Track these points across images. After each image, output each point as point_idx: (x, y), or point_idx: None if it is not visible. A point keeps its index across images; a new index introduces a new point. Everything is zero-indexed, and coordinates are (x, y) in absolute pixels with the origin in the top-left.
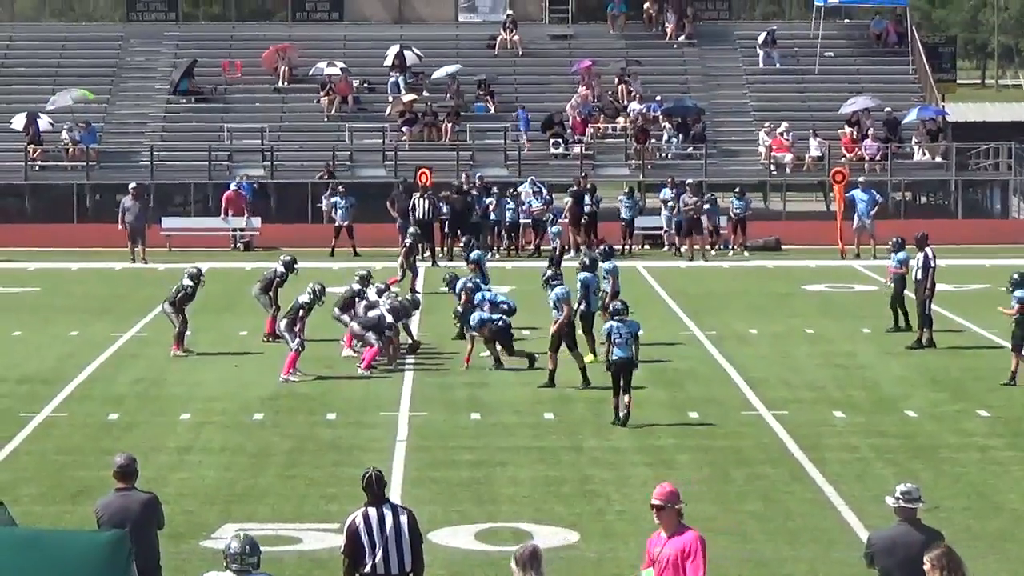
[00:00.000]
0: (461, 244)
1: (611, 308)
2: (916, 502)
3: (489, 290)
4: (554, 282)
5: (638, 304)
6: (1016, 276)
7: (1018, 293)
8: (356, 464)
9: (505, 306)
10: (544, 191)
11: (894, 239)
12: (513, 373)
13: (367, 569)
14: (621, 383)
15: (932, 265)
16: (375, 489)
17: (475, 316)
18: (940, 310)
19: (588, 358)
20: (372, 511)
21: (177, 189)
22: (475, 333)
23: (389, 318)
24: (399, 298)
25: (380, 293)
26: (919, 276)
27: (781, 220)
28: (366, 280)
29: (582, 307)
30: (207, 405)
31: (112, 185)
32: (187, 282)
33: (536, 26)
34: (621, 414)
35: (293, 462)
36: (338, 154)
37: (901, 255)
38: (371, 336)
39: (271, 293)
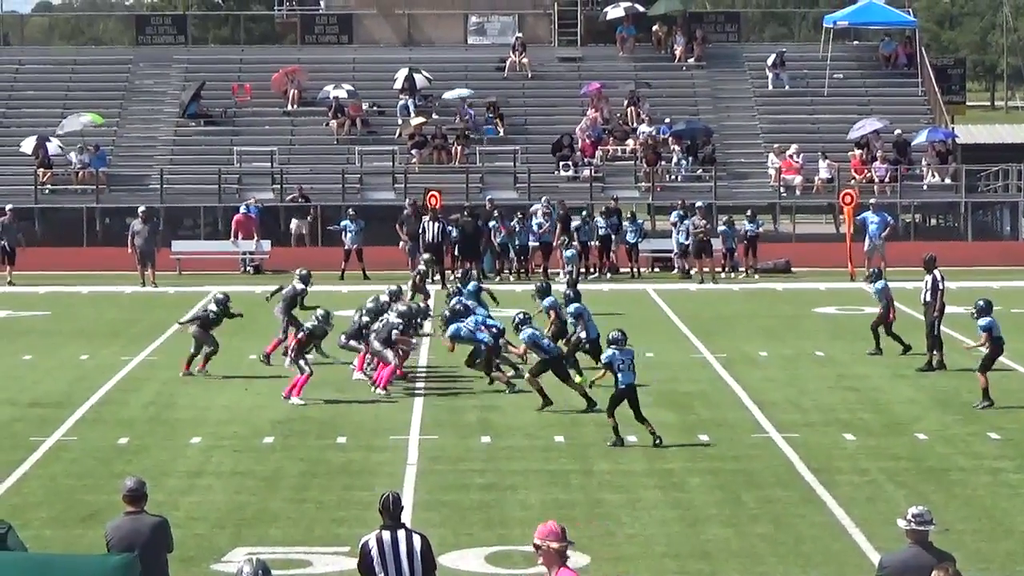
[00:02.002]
0: (459, 272)
1: (609, 337)
2: (928, 524)
3: (485, 315)
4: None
5: (648, 327)
6: (981, 303)
7: (982, 322)
8: (367, 488)
9: (493, 329)
10: (554, 213)
11: (872, 270)
12: (524, 396)
13: None
14: (632, 410)
15: (941, 287)
16: (391, 511)
17: (453, 326)
18: (950, 332)
19: (578, 379)
20: (387, 534)
21: (186, 212)
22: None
23: (399, 322)
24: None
25: (394, 297)
26: (928, 298)
27: (791, 242)
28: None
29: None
30: (217, 429)
31: (122, 209)
32: (212, 308)
33: (545, 49)
34: (652, 438)
35: (304, 486)
36: (347, 177)
37: (879, 284)
38: (388, 354)
39: (291, 314)
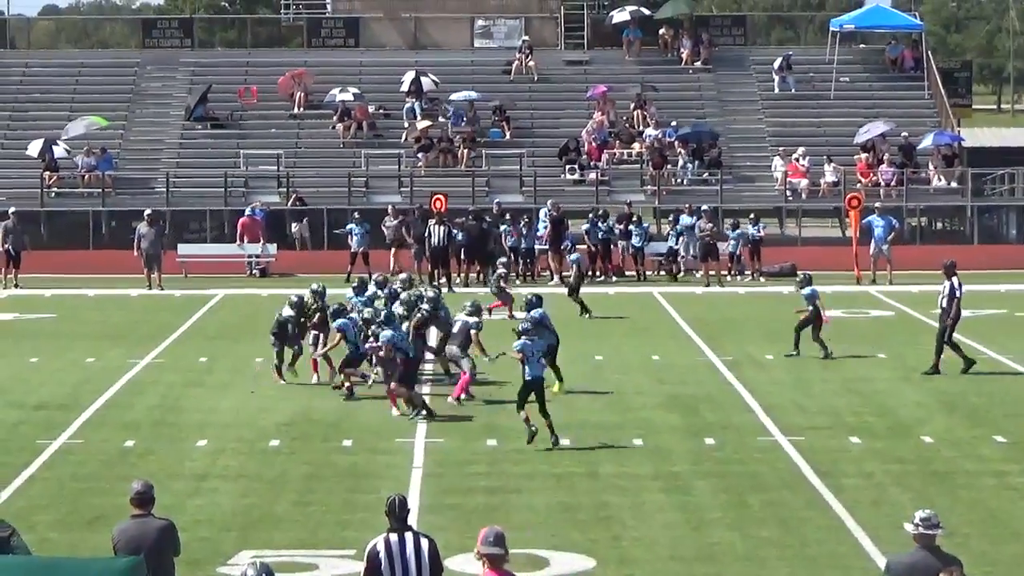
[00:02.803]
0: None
1: (520, 327)
2: (935, 528)
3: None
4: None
5: (654, 330)
6: (804, 274)
7: (806, 291)
8: (372, 491)
9: None
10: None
11: (801, 274)
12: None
13: None
14: (537, 403)
15: (958, 295)
16: (398, 514)
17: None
18: (956, 335)
19: (554, 388)
20: (394, 537)
21: (193, 215)
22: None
23: (476, 321)
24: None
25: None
26: (944, 304)
27: (797, 246)
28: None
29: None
30: (223, 432)
31: (128, 212)
32: (287, 312)
33: (552, 52)
34: (534, 430)
35: (309, 489)
36: (354, 180)
37: (808, 290)
38: (466, 362)
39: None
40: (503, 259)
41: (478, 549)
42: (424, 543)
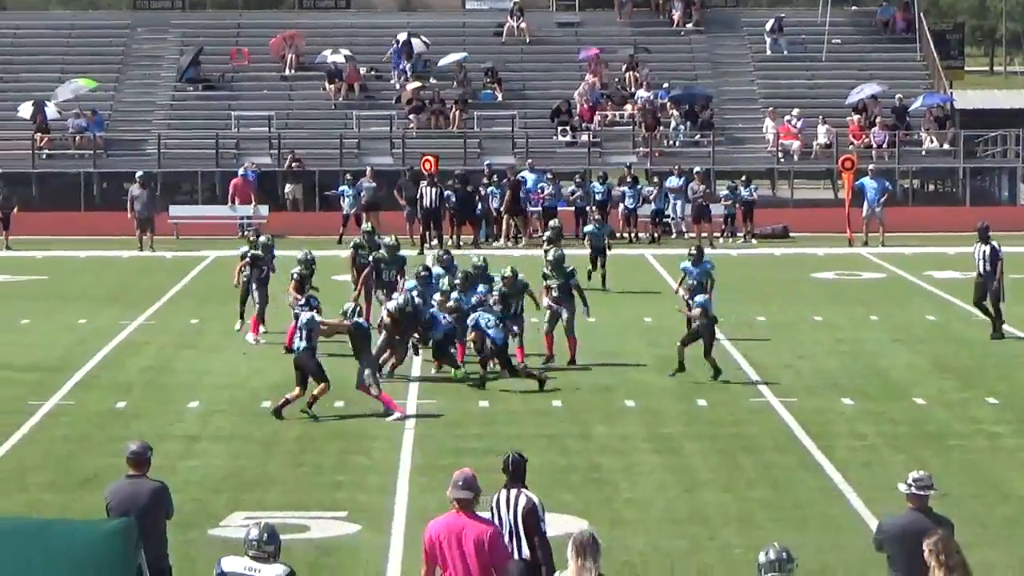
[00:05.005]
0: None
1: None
2: (928, 489)
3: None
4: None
5: (646, 292)
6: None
7: (699, 299)
8: (364, 452)
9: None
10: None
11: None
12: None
13: None
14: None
15: (1000, 256)
16: (510, 472)
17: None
18: (948, 297)
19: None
20: (503, 493)
21: (184, 177)
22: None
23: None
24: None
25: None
26: (987, 268)
27: (789, 208)
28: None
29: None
30: (215, 393)
31: (119, 173)
32: (296, 268)
33: (543, 13)
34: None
35: (301, 450)
36: (345, 142)
37: (700, 298)
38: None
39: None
40: (553, 222)
41: (448, 492)
42: (522, 500)
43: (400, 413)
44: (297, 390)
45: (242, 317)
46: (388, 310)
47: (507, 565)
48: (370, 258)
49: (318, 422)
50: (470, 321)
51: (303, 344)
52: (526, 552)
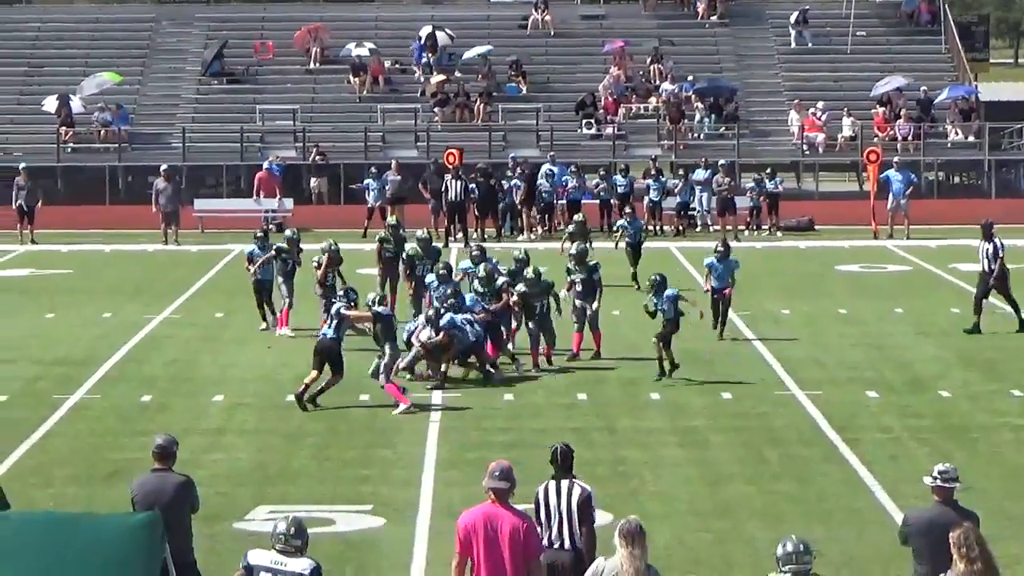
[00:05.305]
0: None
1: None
2: (953, 482)
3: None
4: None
5: (671, 284)
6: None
7: (668, 292)
8: (389, 446)
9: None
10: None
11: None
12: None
13: (544, 540)
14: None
15: (1001, 254)
16: (560, 463)
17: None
18: (973, 290)
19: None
20: (552, 484)
21: (209, 171)
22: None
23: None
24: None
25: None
26: (991, 266)
27: (814, 200)
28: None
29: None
30: (240, 387)
31: (144, 167)
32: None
33: (568, 6)
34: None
35: (326, 443)
36: (370, 135)
37: (672, 292)
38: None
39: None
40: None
41: (484, 482)
42: (576, 491)
43: (406, 405)
44: (314, 373)
45: (263, 316)
46: (421, 342)
47: (538, 559)
48: (404, 255)
49: (315, 412)
50: (443, 322)
51: (330, 332)
52: (578, 541)
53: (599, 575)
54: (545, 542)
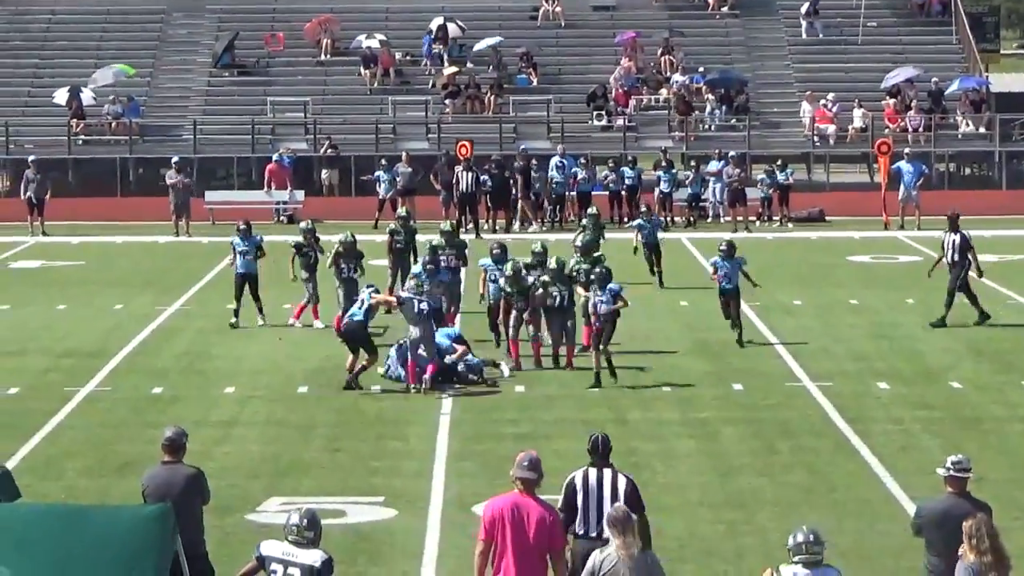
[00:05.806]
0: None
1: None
2: (967, 472)
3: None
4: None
5: (682, 276)
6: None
7: (612, 286)
8: (400, 437)
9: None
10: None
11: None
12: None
13: (579, 529)
14: None
15: (971, 244)
16: (600, 451)
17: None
18: (984, 281)
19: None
20: (593, 471)
21: (220, 163)
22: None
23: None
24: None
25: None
26: (955, 257)
27: (825, 191)
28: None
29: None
30: (251, 379)
31: (155, 159)
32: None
33: None
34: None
35: (338, 435)
36: (381, 127)
37: (615, 285)
38: None
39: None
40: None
41: (512, 472)
42: (622, 480)
43: (414, 385)
44: (351, 357)
45: (236, 311)
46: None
47: (562, 551)
48: (428, 245)
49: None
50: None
51: (359, 315)
52: None
53: (597, 568)
54: (580, 530)
